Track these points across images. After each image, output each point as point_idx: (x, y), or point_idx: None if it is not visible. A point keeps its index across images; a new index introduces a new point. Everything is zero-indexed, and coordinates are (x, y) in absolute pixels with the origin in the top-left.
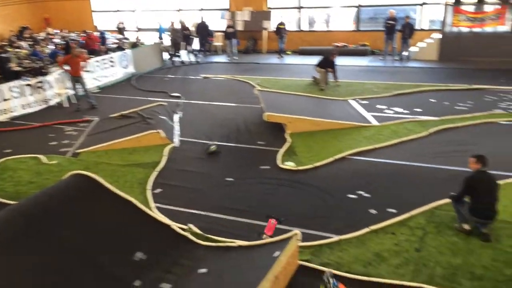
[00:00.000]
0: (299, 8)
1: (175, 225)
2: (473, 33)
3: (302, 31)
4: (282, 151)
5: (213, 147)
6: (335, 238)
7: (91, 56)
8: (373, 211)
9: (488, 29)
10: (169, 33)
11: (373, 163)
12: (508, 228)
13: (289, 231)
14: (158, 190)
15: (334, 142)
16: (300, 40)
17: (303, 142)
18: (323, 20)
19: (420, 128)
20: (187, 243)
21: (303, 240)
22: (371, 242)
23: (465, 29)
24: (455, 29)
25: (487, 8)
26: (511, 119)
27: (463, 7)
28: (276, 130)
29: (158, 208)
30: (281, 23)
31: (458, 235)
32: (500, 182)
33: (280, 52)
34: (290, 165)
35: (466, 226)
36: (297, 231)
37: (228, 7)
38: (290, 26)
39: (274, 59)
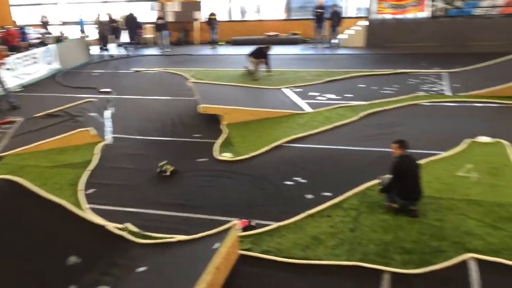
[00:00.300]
0: None
1: (110, 225)
2: (396, 20)
3: (233, 21)
4: (218, 142)
5: (169, 167)
6: (274, 225)
7: (12, 52)
8: (309, 196)
9: (410, 15)
10: (96, 26)
11: (308, 149)
12: (432, 203)
13: (228, 221)
14: (91, 190)
15: (269, 130)
16: (232, 30)
17: (239, 132)
18: (254, 10)
19: (351, 113)
20: (124, 243)
21: (243, 229)
22: (309, 226)
23: (388, 16)
24: (379, 16)
25: None
26: (432, 100)
27: None
28: (212, 122)
29: (92, 209)
30: (212, 14)
31: (388, 213)
32: (424, 160)
33: (213, 42)
34: (227, 156)
35: (394, 205)
36: (236, 221)
37: None
38: (222, 17)
39: (206, 50)
